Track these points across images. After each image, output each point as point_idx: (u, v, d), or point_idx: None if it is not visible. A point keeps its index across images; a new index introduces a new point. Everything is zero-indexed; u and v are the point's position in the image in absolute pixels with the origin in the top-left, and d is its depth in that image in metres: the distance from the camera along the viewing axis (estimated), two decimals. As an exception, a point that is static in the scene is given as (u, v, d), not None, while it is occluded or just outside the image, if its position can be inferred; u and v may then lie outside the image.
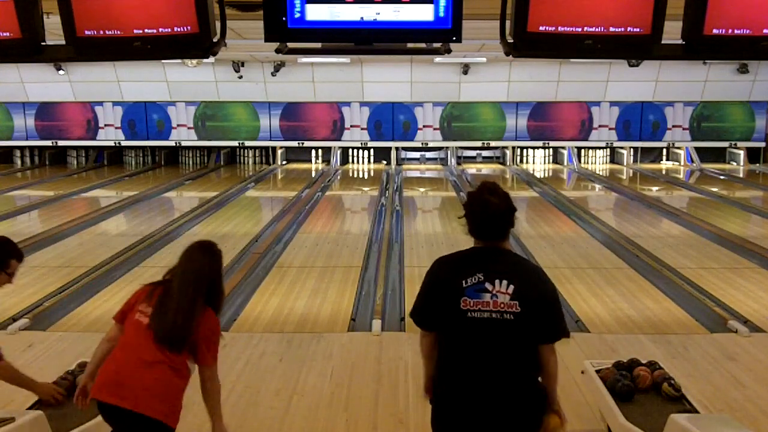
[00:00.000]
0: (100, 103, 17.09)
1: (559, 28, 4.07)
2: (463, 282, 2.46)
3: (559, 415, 2.62)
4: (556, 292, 2.58)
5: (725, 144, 17.33)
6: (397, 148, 17.45)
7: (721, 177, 15.44)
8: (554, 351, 2.57)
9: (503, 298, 2.43)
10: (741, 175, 15.92)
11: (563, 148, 17.51)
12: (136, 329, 2.64)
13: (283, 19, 4.13)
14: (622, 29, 4.10)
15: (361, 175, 16.56)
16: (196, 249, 2.80)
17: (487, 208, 2.51)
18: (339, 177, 15.75)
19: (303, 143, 17.33)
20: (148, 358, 2.55)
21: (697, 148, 17.34)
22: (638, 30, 4.11)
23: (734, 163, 17.35)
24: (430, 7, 4.10)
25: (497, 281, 2.45)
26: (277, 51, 4.36)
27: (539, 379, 2.57)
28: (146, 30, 4.15)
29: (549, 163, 17.78)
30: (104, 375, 2.63)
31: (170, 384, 2.58)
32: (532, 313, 2.45)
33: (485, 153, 17.93)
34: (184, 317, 2.59)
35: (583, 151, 17.68)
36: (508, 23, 4.15)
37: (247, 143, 17.42)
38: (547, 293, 2.51)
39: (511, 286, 2.44)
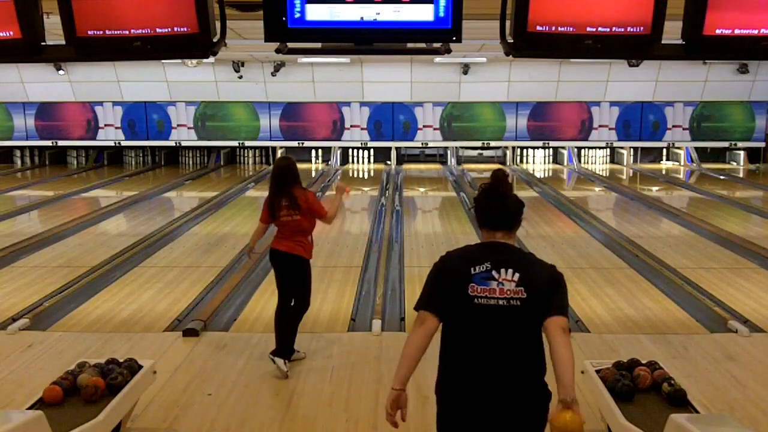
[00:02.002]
0: (100, 103, 17.09)
1: (559, 28, 4.08)
2: (472, 269, 2.50)
3: (572, 410, 2.28)
4: (564, 279, 2.56)
5: (725, 144, 17.33)
6: (397, 148, 17.47)
7: (721, 177, 15.44)
8: (566, 331, 2.42)
9: (509, 285, 2.47)
10: (741, 175, 15.93)
11: (563, 148, 17.52)
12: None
13: (283, 19, 4.14)
14: (622, 29, 4.11)
15: (361, 175, 16.56)
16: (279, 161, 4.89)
17: (502, 184, 2.60)
18: (339, 177, 15.75)
19: (303, 143, 17.33)
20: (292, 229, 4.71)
21: (697, 148, 17.36)
22: (638, 30, 4.11)
23: (734, 163, 17.36)
24: (430, 7, 4.10)
25: (503, 270, 2.49)
26: (277, 51, 4.37)
27: (544, 379, 2.54)
28: (146, 30, 4.16)
29: (549, 163, 17.79)
30: (276, 239, 4.77)
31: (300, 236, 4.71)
32: (538, 297, 2.47)
33: (486, 153, 17.94)
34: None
35: (583, 151, 17.69)
36: (508, 23, 4.16)
37: (247, 143, 17.43)
38: (553, 276, 2.53)
39: (517, 274, 2.48)
